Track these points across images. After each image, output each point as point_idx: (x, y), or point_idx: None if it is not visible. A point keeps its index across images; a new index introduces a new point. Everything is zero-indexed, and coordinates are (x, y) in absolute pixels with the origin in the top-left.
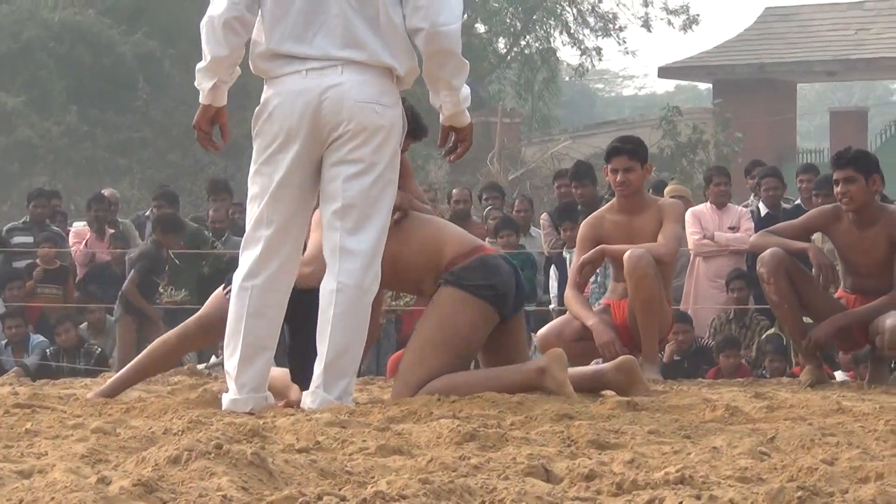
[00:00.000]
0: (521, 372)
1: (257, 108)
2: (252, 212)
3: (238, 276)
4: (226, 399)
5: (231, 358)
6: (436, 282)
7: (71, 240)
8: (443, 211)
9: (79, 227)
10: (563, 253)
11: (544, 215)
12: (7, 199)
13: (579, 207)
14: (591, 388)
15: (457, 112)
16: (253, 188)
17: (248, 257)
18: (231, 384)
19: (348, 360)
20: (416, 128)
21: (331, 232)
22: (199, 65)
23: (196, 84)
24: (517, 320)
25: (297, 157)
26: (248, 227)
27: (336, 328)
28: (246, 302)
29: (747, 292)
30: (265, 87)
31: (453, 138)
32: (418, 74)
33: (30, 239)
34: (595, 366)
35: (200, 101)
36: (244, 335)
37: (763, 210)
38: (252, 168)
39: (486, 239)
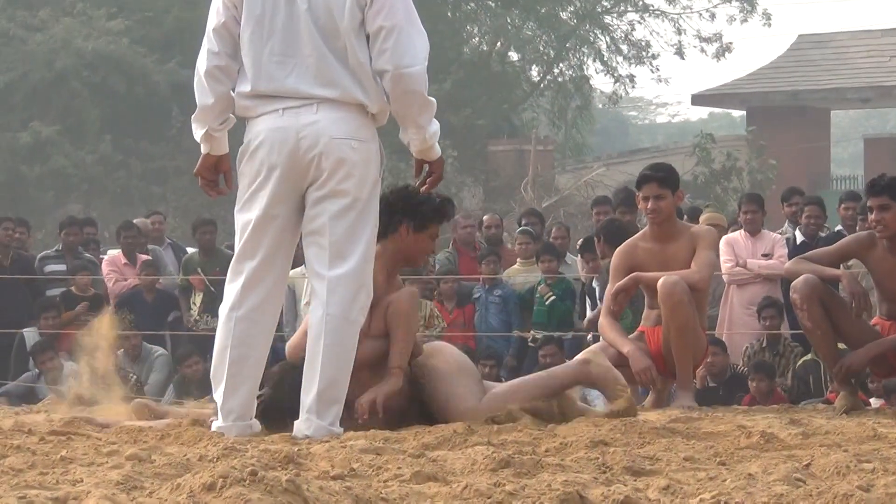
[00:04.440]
0: (568, 367)
1: (241, 148)
2: (237, 245)
3: (223, 308)
4: (214, 426)
5: (218, 386)
6: None
7: (105, 268)
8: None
9: (113, 254)
10: (594, 283)
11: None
12: (41, 228)
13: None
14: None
15: (425, 148)
16: (238, 223)
17: (231, 289)
18: (219, 412)
19: (339, 388)
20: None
21: (318, 265)
22: (193, 116)
23: (194, 134)
24: None
25: (277, 192)
26: (232, 260)
27: (326, 358)
28: (230, 333)
29: (778, 320)
30: (247, 127)
31: (427, 170)
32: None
33: (62, 267)
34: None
35: (202, 150)
36: (228, 365)
37: (799, 238)
38: (237, 205)
39: (518, 261)
